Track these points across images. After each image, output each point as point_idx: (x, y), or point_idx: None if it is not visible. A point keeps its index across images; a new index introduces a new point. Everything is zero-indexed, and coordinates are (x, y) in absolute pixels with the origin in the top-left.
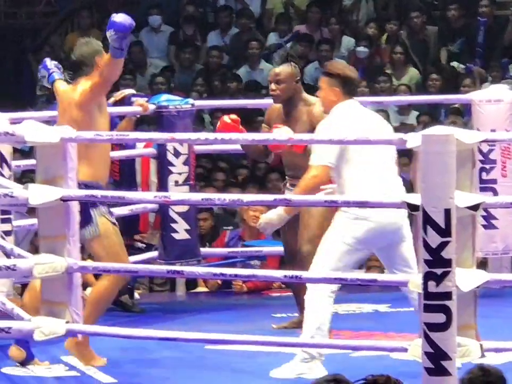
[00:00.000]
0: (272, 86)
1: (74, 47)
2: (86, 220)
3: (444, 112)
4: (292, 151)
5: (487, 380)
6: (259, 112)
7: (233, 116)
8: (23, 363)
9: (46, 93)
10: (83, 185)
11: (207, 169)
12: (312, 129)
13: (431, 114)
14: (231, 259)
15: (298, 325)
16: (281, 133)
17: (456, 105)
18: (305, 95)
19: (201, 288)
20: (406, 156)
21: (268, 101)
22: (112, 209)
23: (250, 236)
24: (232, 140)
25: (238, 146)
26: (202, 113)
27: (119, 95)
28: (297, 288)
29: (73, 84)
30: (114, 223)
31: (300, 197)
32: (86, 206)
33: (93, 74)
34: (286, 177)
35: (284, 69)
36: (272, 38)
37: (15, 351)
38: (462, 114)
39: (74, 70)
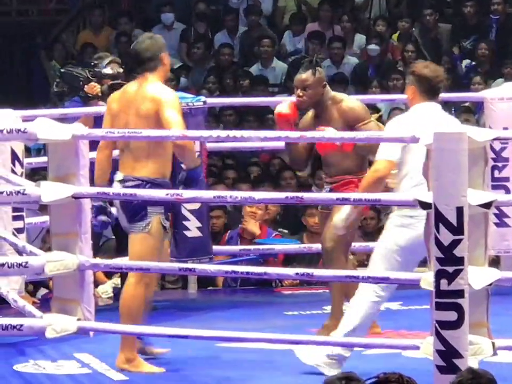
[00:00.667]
0: (299, 92)
1: (138, 41)
2: (141, 215)
3: (454, 110)
4: (338, 152)
5: (477, 382)
6: (269, 109)
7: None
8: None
9: (62, 89)
10: (150, 183)
11: (218, 167)
12: (345, 125)
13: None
14: (241, 257)
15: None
16: (328, 134)
17: (467, 104)
18: (332, 93)
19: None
20: None
21: (279, 99)
22: None
23: (247, 232)
24: (244, 137)
25: (249, 144)
26: (214, 110)
27: None
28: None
29: (139, 77)
30: (165, 228)
31: (311, 195)
32: (144, 202)
33: (159, 71)
34: (323, 175)
35: (310, 75)
36: (287, 37)
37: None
38: (473, 113)
39: (138, 63)
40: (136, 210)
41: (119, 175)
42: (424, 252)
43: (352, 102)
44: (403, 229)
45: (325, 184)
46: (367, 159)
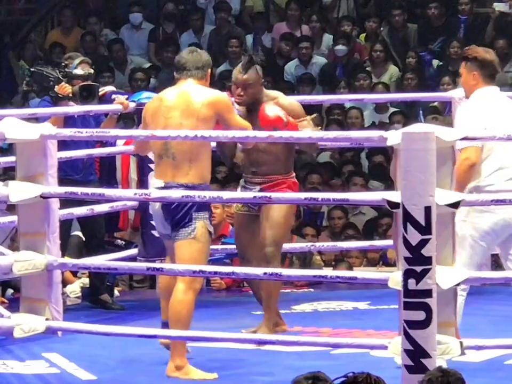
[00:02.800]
0: (239, 91)
1: (189, 50)
2: (186, 221)
3: (422, 110)
4: (270, 152)
5: (447, 380)
6: None
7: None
8: None
9: (31, 89)
10: (193, 188)
11: None
12: None
13: (408, 113)
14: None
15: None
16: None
17: (435, 103)
18: (266, 91)
19: None
20: (382, 154)
21: None
22: (92, 207)
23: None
24: (212, 137)
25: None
26: None
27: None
28: (254, 286)
29: (179, 82)
30: (210, 232)
31: (279, 195)
32: (189, 208)
33: (201, 83)
34: (244, 175)
35: (252, 75)
36: (250, 39)
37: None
38: (440, 113)
39: (181, 68)
40: (180, 217)
41: (158, 182)
42: (502, 234)
43: (288, 98)
44: (485, 214)
45: (251, 184)
46: (293, 160)
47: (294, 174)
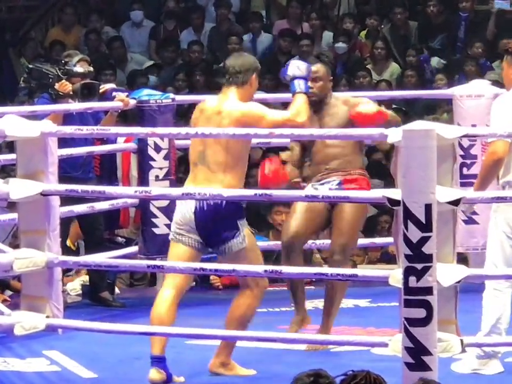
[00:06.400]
0: (309, 83)
1: (233, 56)
2: (234, 231)
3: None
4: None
5: None
6: None
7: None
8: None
9: (28, 86)
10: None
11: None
12: (350, 124)
13: (408, 110)
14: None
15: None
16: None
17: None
18: (336, 94)
19: None
20: (381, 151)
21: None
22: (93, 204)
23: None
24: (213, 134)
25: None
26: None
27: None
28: (293, 287)
29: (223, 90)
30: (253, 233)
31: (280, 192)
32: (235, 218)
33: (244, 88)
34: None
35: (321, 67)
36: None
37: (156, 374)
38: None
39: (225, 74)
40: (229, 227)
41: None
42: None
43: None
44: None
45: (324, 177)
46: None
47: (361, 171)
